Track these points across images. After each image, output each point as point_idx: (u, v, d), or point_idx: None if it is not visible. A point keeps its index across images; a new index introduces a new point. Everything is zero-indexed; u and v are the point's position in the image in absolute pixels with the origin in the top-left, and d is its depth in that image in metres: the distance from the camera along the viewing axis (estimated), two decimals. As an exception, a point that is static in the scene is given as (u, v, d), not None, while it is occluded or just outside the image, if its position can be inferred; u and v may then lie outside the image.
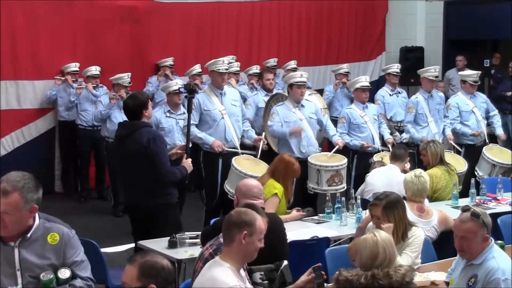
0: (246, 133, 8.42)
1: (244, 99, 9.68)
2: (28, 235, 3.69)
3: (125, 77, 9.88)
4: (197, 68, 10.70)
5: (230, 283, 3.75)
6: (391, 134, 9.83)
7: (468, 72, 10.26)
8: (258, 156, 8.13)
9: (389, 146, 9.03)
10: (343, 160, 8.19)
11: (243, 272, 4.03)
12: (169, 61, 11.44)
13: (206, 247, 4.49)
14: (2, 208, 3.60)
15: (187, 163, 6.25)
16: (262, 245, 3.96)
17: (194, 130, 7.89)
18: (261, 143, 8.23)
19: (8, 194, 3.59)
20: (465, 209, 4.26)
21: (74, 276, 3.80)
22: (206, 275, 3.86)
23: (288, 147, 8.27)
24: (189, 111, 6.95)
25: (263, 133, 8.63)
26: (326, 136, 9.01)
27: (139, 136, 5.95)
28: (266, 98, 9.98)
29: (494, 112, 9.90)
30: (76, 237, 3.87)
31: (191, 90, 6.96)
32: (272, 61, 11.86)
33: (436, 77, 9.61)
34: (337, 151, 8.54)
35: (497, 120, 9.87)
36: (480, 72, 9.92)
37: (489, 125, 9.89)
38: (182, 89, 8.08)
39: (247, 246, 3.89)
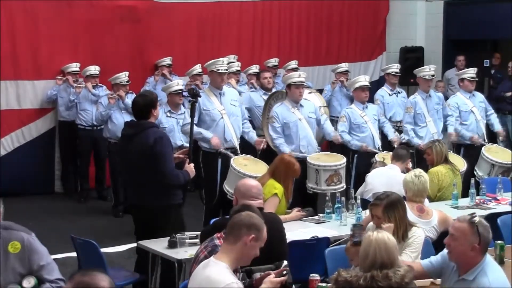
0: (247, 134, 8.41)
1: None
2: None
3: (122, 76, 9.84)
4: (197, 68, 10.69)
5: (227, 280, 3.74)
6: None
7: (465, 70, 10.29)
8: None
9: (395, 145, 9.05)
10: (341, 160, 8.19)
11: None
12: (166, 60, 11.44)
13: (200, 249, 4.48)
14: None
15: (190, 168, 6.22)
16: (258, 254, 3.98)
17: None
18: (262, 145, 8.22)
19: None
20: (471, 215, 4.16)
21: (42, 281, 3.70)
22: (202, 275, 3.84)
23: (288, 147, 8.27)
24: (192, 115, 6.94)
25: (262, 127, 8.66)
26: (323, 133, 8.94)
27: (146, 136, 5.94)
28: (265, 97, 9.98)
29: (491, 111, 9.94)
30: (37, 241, 3.76)
31: (194, 94, 6.96)
32: (273, 61, 11.85)
33: (433, 76, 9.60)
34: (335, 150, 8.54)
35: (494, 118, 9.90)
36: (476, 68, 9.94)
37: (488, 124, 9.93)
38: (185, 93, 8.08)
39: (249, 250, 3.90)
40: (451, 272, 4.28)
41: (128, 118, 8.70)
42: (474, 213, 4.27)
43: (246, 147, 8.48)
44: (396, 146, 8.92)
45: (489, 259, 4.15)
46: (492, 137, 9.99)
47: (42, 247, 3.77)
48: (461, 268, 4.16)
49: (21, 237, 3.68)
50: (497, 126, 9.83)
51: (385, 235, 3.95)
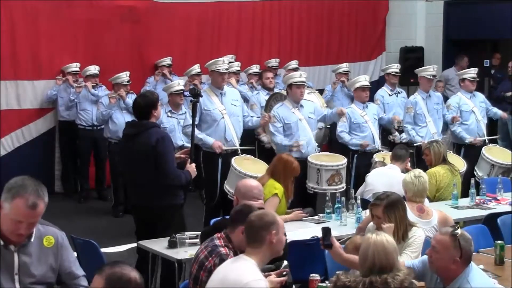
0: (250, 121, 8.42)
1: (245, 99, 9.67)
2: (32, 239, 3.65)
3: (123, 76, 9.84)
4: (196, 68, 10.69)
5: (256, 277, 3.79)
6: (391, 134, 9.86)
7: (465, 70, 10.32)
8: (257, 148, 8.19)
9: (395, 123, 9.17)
10: (343, 160, 8.20)
11: None
12: (166, 60, 11.45)
13: (201, 249, 4.49)
14: (32, 221, 3.57)
15: (191, 168, 6.21)
16: (286, 237, 4.01)
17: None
18: (265, 120, 8.21)
19: (37, 206, 3.54)
20: (454, 227, 4.15)
21: (71, 277, 3.81)
22: (232, 266, 3.89)
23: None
24: (194, 115, 6.94)
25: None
26: (327, 118, 8.87)
27: (148, 136, 5.94)
28: (267, 97, 9.98)
29: (492, 106, 10.03)
30: (67, 239, 3.91)
31: (196, 94, 6.97)
32: (274, 61, 11.86)
33: (434, 76, 9.62)
34: (335, 151, 8.55)
35: (496, 109, 10.01)
36: (477, 68, 9.95)
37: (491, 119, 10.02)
38: (187, 93, 8.06)
39: (277, 244, 3.96)
40: (435, 282, 4.26)
41: (128, 118, 8.71)
42: (457, 226, 4.23)
43: (247, 147, 8.50)
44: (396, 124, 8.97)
45: (472, 267, 4.11)
46: (492, 135, 10.01)
47: (69, 245, 3.92)
48: (443, 279, 4.14)
49: (55, 233, 3.80)
50: (500, 112, 9.97)
51: (384, 238, 3.92)
